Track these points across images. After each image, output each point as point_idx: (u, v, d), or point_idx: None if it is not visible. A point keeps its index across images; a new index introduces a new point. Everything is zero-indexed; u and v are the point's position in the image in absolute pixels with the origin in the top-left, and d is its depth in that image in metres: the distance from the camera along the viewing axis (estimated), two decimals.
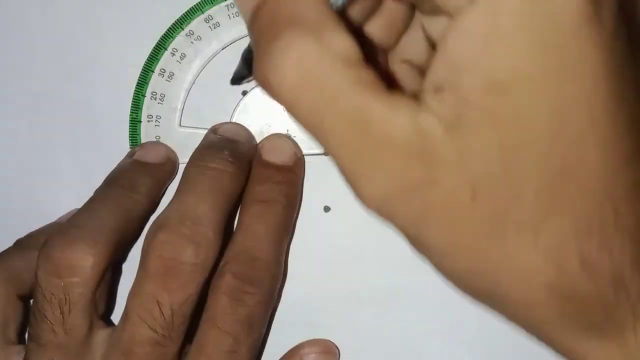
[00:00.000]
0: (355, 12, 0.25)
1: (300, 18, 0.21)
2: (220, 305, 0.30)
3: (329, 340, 0.34)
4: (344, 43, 0.21)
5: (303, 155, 0.33)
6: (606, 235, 0.22)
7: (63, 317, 0.29)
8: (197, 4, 0.33)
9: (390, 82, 0.24)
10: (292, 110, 0.22)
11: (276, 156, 0.32)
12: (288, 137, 0.33)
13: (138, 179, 0.32)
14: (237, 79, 0.27)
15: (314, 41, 0.21)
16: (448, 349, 0.35)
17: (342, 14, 0.24)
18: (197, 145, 0.33)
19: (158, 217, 0.30)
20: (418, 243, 0.24)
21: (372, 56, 0.27)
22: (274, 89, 0.22)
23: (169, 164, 0.34)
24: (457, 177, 0.21)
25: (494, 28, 0.20)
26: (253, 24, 0.23)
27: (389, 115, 0.21)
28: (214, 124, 0.34)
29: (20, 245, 0.33)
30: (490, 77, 0.21)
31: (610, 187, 0.22)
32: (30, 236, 0.33)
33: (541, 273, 0.22)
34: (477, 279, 0.23)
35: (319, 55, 0.21)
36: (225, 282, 0.30)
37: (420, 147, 0.21)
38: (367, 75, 0.22)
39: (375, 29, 0.26)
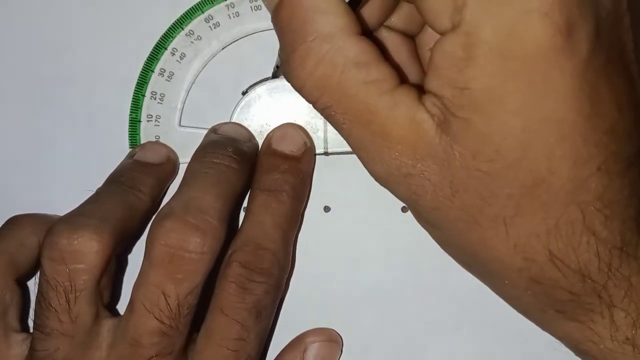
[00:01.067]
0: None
1: (314, 25, 0.25)
2: (228, 293, 0.29)
3: (333, 329, 0.34)
4: (355, 46, 0.25)
5: (313, 145, 0.33)
6: (574, 234, 0.25)
7: (69, 304, 0.28)
8: (197, 4, 0.33)
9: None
10: (314, 106, 0.26)
11: (285, 145, 0.32)
12: (299, 125, 0.33)
13: (139, 178, 0.32)
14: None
15: (327, 50, 0.25)
16: (449, 346, 0.34)
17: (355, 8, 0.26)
18: (197, 145, 0.33)
19: (163, 207, 0.30)
20: (415, 215, 0.28)
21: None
22: (298, 91, 0.26)
23: (170, 163, 0.33)
24: (440, 173, 0.25)
25: (470, 54, 0.23)
26: (274, 23, 0.26)
27: (390, 112, 0.25)
28: (214, 124, 0.34)
29: (10, 224, 0.33)
30: (466, 95, 0.24)
31: (579, 193, 0.24)
32: (21, 216, 0.33)
33: (512, 257, 0.25)
34: (462, 253, 0.27)
35: (331, 62, 0.25)
36: (233, 270, 0.30)
37: (414, 140, 0.25)
38: (376, 74, 0.25)
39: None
